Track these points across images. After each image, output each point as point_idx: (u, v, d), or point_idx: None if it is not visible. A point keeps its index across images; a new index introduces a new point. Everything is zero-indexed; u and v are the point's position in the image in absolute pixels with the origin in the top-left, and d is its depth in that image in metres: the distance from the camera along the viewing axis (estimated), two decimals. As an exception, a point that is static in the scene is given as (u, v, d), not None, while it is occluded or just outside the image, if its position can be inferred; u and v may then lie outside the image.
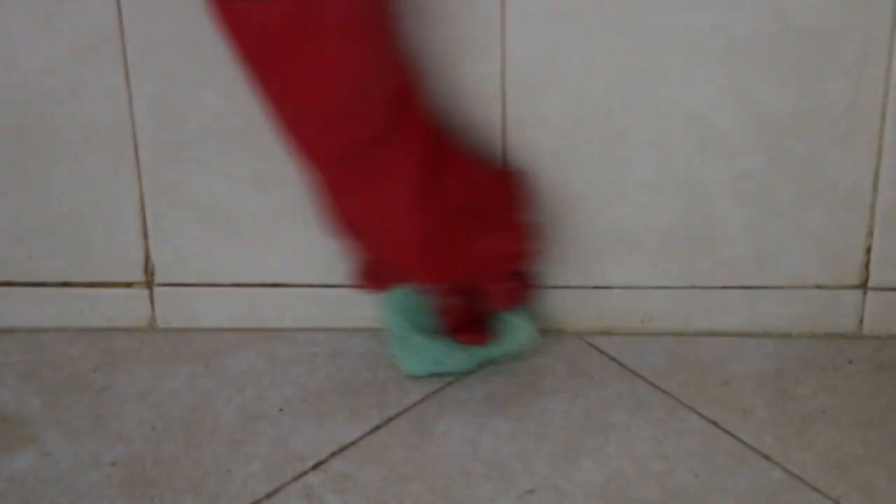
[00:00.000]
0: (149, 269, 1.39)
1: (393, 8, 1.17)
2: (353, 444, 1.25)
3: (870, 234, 1.32)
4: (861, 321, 1.37)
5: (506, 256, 1.29)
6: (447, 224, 1.23)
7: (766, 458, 1.21)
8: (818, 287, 1.35)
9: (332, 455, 1.23)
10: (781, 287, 1.36)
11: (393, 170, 1.18)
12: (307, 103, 1.15)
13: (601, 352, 1.37)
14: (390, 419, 1.28)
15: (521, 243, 1.29)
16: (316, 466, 1.22)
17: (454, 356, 1.32)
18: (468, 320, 1.31)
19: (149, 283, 1.40)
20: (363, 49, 1.14)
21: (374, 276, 1.32)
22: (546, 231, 1.32)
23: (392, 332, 1.33)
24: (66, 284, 1.40)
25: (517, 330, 1.33)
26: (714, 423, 1.25)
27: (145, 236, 1.37)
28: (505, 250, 1.28)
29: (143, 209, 1.36)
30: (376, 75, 1.15)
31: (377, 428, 1.27)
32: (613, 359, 1.36)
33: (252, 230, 1.36)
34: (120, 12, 1.27)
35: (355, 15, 1.11)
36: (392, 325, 1.33)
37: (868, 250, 1.33)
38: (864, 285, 1.35)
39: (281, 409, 1.29)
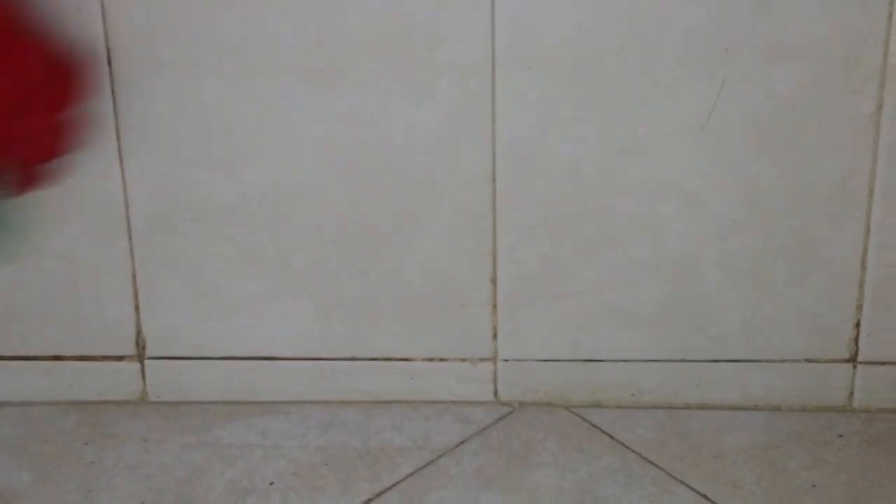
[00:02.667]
0: (140, 343, 1.39)
1: None
2: (344, 518, 1.25)
3: (859, 309, 1.33)
4: (851, 395, 1.37)
5: (41, 142, 1.14)
6: None
7: (758, 533, 1.22)
8: (808, 361, 1.36)
9: (323, 530, 1.24)
10: (772, 361, 1.36)
11: None
12: None
13: (592, 425, 1.37)
14: (381, 492, 1.27)
15: (59, 134, 1.15)
16: (307, 542, 1.23)
17: None
18: None
19: (140, 357, 1.40)
20: None
21: None
22: (86, 123, 1.16)
23: None
24: (56, 358, 1.40)
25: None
26: (705, 497, 1.25)
27: (137, 310, 1.37)
28: (42, 136, 1.14)
29: (134, 283, 1.36)
30: None
31: (368, 501, 1.26)
32: (605, 432, 1.36)
33: (243, 304, 1.37)
34: (114, 91, 1.27)
35: None
36: None
37: (857, 325, 1.34)
38: (853, 359, 1.35)
39: (272, 483, 1.29)
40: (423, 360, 1.39)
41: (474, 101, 1.26)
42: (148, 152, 1.30)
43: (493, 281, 1.34)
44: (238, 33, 1.24)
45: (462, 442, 1.35)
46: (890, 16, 1.22)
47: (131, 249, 1.34)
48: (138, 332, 1.38)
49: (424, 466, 1.31)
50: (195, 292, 1.36)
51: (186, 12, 1.24)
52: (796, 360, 1.36)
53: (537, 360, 1.38)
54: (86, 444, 1.36)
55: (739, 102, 1.25)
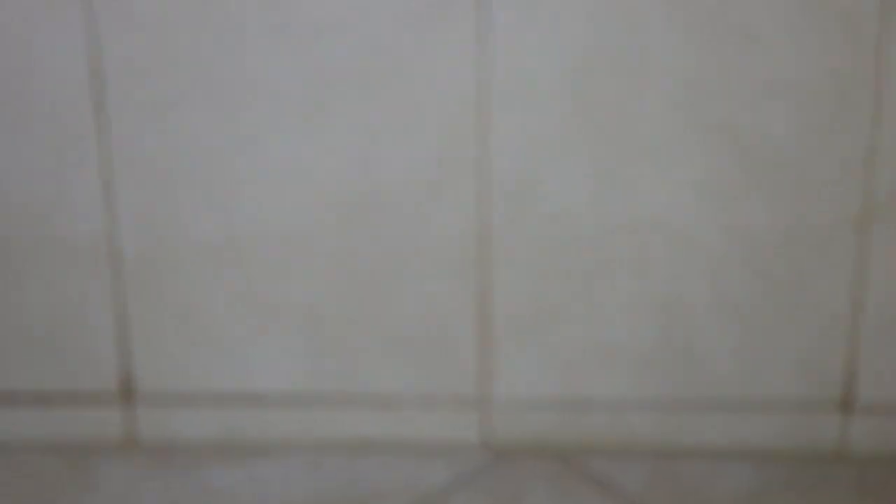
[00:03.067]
0: (127, 383, 1.38)
1: None
2: (330, 562, 1.24)
3: (853, 353, 1.32)
4: (844, 441, 1.36)
5: None
6: None
7: (749, 580, 1.21)
8: (801, 405, 1.35)
9: (309, 574, 1.23)
10: (764, 406, 1.35)
11: None
12: None
13: (582, 469, 1.36)
14: (369, 537, 1.27)
15: None
16: (292, 585, 1.21)
17: None
18: None
19: (127, 398, 1.39)
20: None
21: None
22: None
23: None
24: (41, 398, 1.39)
25: None
26: (696, 544, 1.25)
27: (125, 348, 1.37)
28: None
29: (122, 321, 1.35)
30: None
31: (355, 545, 1.26)
32: (594, 477, 1.35)
33: (233, 344, 1.36)
34: (101, 126, 1.28)
35: None
36: None
37: (851, 370, 1.33)
38: (847, 405, 1.35)
39: (258, 526, 1.28)
40: (413, 400, 1.38)
41: (465, 138, 1.27)
42: (135, 189, 1.30)
43: (483, 320, 1.34)
44: (226, 69, 1.25)
45: (450, 485, 1.34)
46: (878, 55, 1.22)
47: (119, 287, 1.34)
48: (126, 371, 1.38)
49: (413, 511, 1.31)
50: (183, 331, 1.36)
51: (175, 48, 1.25)
52: (789, 405, 1.35)
53: (528, 402, 1.37)
54: (70, 485, 1.35)
55: (731, 141, 1.25)
